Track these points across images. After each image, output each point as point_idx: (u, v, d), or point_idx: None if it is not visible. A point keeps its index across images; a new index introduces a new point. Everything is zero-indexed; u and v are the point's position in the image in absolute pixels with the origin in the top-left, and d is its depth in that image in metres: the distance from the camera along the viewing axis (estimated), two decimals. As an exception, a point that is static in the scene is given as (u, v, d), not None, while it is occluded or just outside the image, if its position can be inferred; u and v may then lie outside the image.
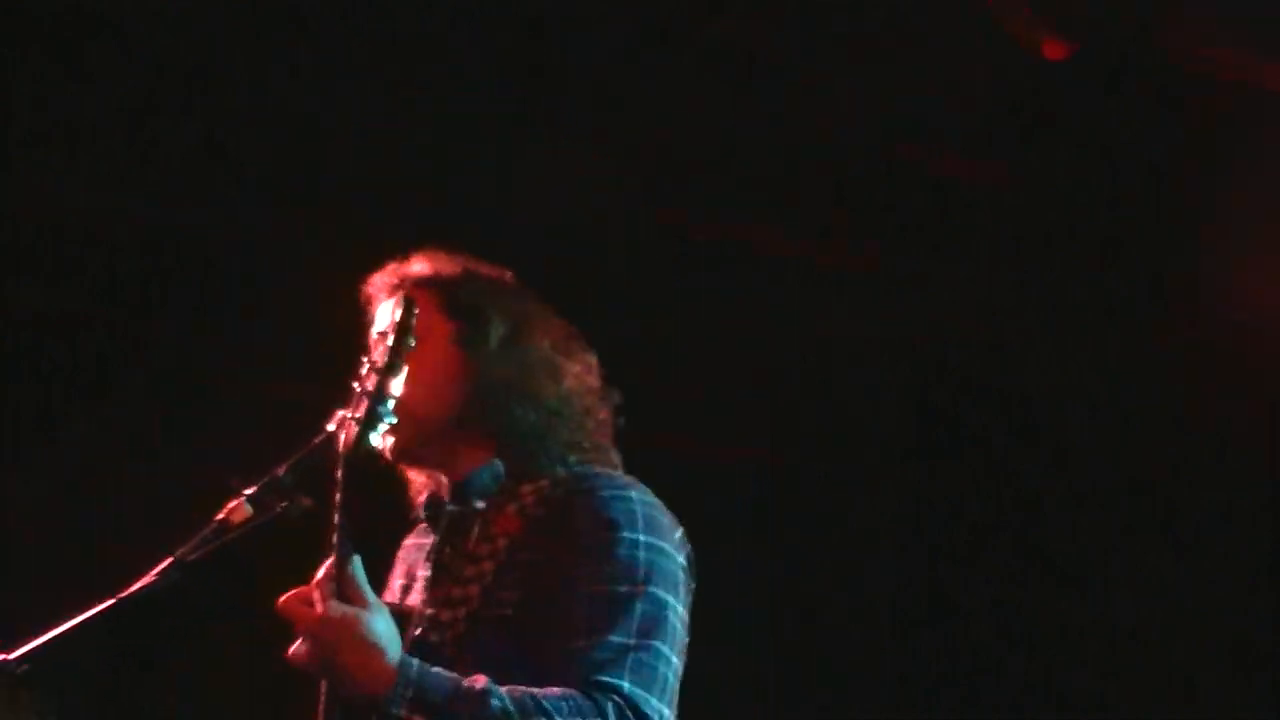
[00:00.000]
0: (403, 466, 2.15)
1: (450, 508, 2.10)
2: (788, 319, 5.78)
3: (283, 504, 2.01)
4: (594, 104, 4.72)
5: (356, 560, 1.83)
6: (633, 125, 4.82)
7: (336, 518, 1.83)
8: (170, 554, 2.03)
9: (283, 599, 1.86)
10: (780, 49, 4.45)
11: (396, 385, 1.91)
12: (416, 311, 1.96)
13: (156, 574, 2.03)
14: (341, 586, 1.81)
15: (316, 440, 1.99)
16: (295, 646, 1.85)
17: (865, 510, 6.25)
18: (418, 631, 1.97)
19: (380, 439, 1.89)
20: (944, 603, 5.93)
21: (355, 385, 1.95)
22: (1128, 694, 5.36)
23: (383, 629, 1.80)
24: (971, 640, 5.83)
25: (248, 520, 2.02)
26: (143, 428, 5.08)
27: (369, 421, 1.88)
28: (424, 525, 2.20)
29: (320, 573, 1.85)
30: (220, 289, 5.13)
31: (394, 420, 1.89)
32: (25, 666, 1.98)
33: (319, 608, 1.81)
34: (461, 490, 2.09)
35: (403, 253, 2.25)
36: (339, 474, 1.85)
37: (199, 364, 5.16)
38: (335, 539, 1.82)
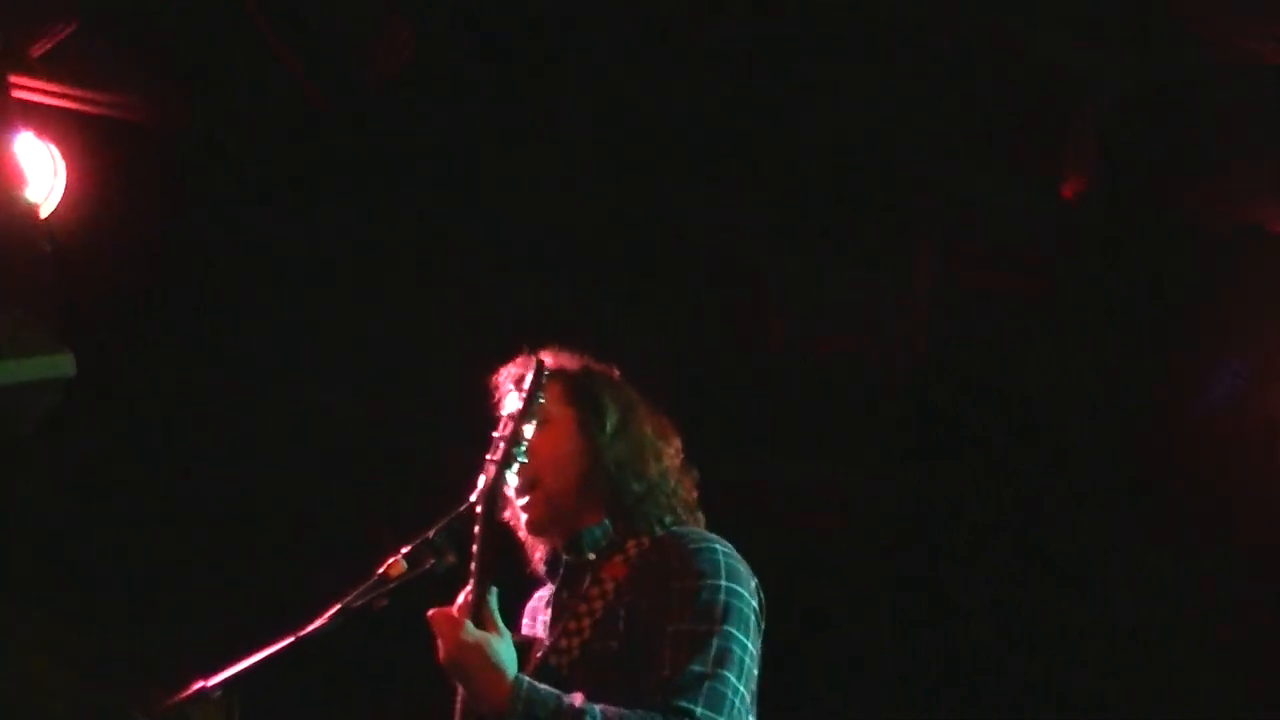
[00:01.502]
0: (534, 532, 2.56)
1: (566, 559, 2.53)
2: (789, 319, 5.79)
3: (432, 561, 2.38)
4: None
5: (493, 592, 2.27)
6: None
7: (478, 550, 2.28)
8: (338, 601, 2.38)
9: (432, 612, 2.28)
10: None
11: (528, 430, 2.38)
12: (547, 372, 2.45)
13: (327, 618, 2.37)
14: (477, 613, 2.25)
15: (462, 508, 2.38)
16: (444, 658, 2.26)
17: (865, 510, 6.25)
18: (538, 655, 2.39)
19: (513, 477, 2.37)
20: (944, 603, 5.93)
21: (494, 434, 2.42)
22: (1127, 694, 5.36)
23: (505, 653, 2.24)
24: (971, 640, 5.83)
25: (403, 575, 2.39)
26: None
27: (505, 461, 2.36)
28: (545, 584, 2.63)
29: (461, 598, 2.29)
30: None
31: (525, 460, 2.37)
32: (219, 694, 2.32)
33: (459, 629, 2.23)
34: (576, 545, 2.52)
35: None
36: (481, 512, 2.31)
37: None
38: (476, 571, 2.27)
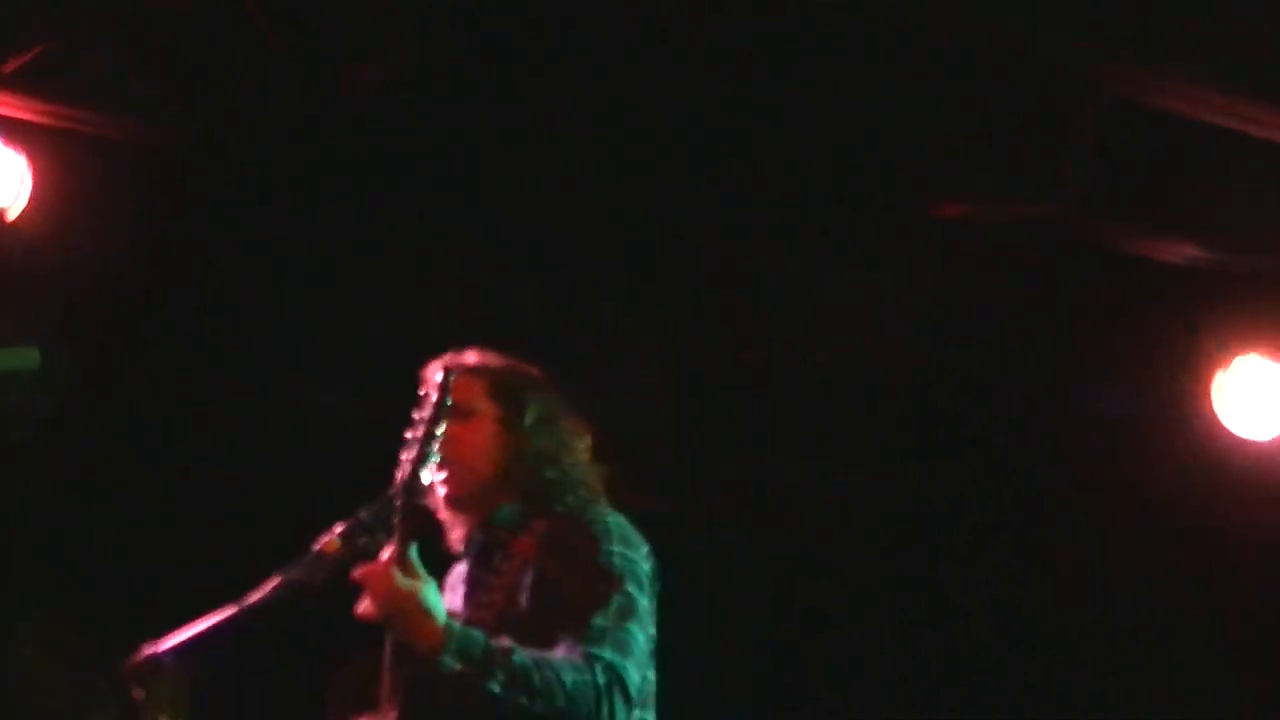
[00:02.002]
0: (448, 512, 2.81)
1: (481, 537, 2.80)
2: (789, 319, 5.79)
3: (363, 539, 2.64)
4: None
5: (414, 548, 2.50)
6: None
7: (399, 519, 2.52)
8: (279, 575, 2.65)
9: (361, 570, 2.50)
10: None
11: (439, 429, 2.61)
12: (454, 381, 2.68)
13: (267, 591, 2.63)
14: (403, 565, 2.47)
15: (388, 492, 2.62)
16: (364, 606, 2.49)
17: (866, 510, 6.25)
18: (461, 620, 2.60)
19: (429, 474, 2.61)
20: (944, 603, 5.94)
21: (409, 435, 2.66)
22: (1128, 694, 5.37)
23: (434, 599, 2.47)
24: (971, 640, 5.84)
25: (338, 552, 2.65)
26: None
27: (420, 460, 2.60)
28: (460, 562, 2.86)
29: (385, 555, 2.50)
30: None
31: (438, 458, 2.62)
32: (171, 661, 2.57)
33: (390, 579, 2.44)
34: (490, 524, 2.79)
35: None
36: (400, 492, 2.57)
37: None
38: (399, 534, 2.50)
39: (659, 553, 2.77)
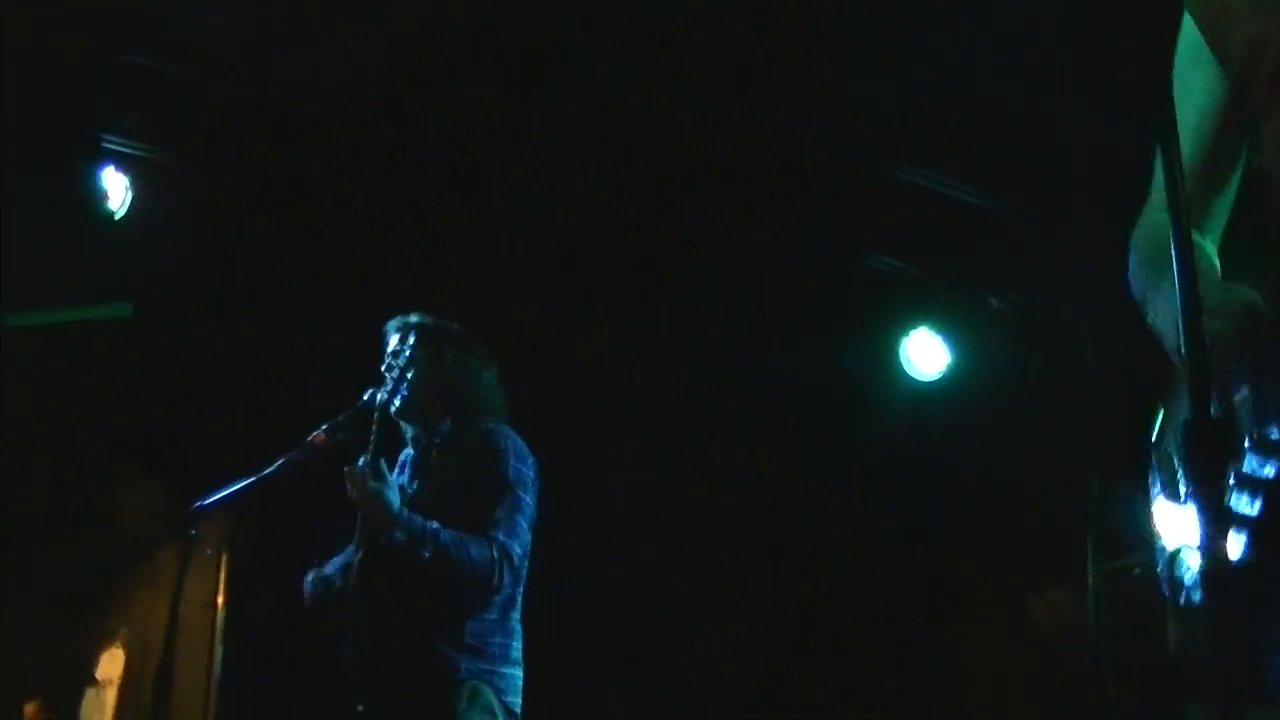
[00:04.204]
0: (405, 419, 3.87)
1: (423, 441, 3.90)
2: (788, 319, 5.79)
3: (341, 435, 3.70)
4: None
5: (383, 461, 3.58)
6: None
7: (373, 439, 3.60)
8: (283, 457, 3.66)
9: (346, 469, 3.53)
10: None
11: (402, 375, 3.80)
12: (416, 342, 3.86)
13: (278, 466, 3.64)
14: (375, 469, 3.54)
15: (363, 401, 3.74)
16: (350, 494, 3.52)
17: (866, 509, 6.27)
18: (404, 499, 3.64)
19: (397, 403, 3.78)
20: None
21: (385, 373, 3.81)
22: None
23: (392, 495, 3.54)
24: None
25: (324, 443, 3.69)
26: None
27: (394, 392, 3.77)
28: (409, 449, 3.96)
29: (361, 461, 3.55)
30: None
31: (402, 393, 3.79)
32: (211, 510, 3.57)
33: (365, 480, 3.52)
34: (429, 432, 3.89)
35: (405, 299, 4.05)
36: (376, 417, 3.67)
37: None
38: (372, 449, 3.57)
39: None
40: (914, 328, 5.85)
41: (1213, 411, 1.56)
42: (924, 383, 5.87)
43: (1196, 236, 1.78)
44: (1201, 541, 1.51)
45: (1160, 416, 1.81)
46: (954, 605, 6.28)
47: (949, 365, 5.80)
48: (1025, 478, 5.65)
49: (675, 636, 6.06)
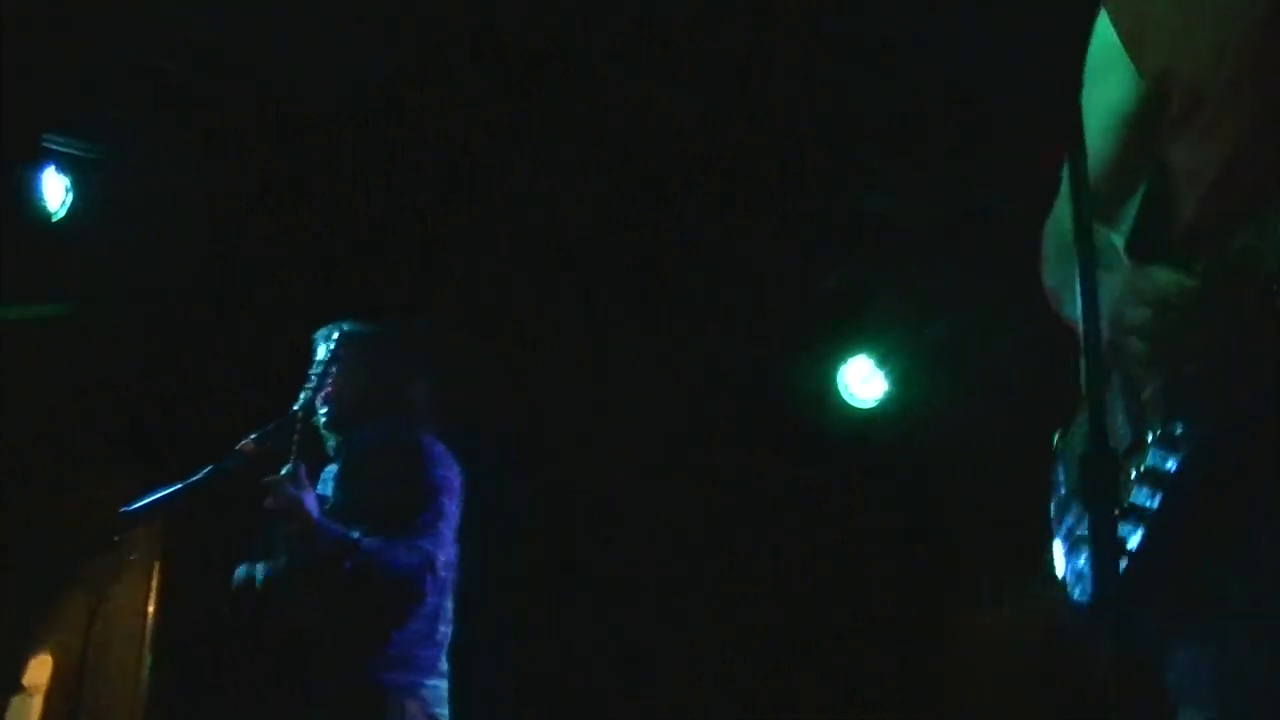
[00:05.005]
0: (331, 430, 3.83)
1: (350, 449, 3.82)
2: (788, 319, 5.80)
3: (269, 444, 3.63)
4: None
5: (303, 468, 3.54)
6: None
7: (295, 449, 3.57)
8: (210, 464, 3.65)
9: (266, 480, 3.49)
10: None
11: (330, 385, 3.77)
12: (345, 351, 3.81)
13: (204, 474, 3.62)
14: (296, 479, 3.50)
15: (291, 412, 3.69)
16: (268, 503, 3.47)
17: (866, 509, 6.26)
18: (326, 508, 3.64)
19: (322, 414, 3.78)
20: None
21: (311, 383, 3.75)
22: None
23: (311, 503, 3.50)
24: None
25: (253, 451, 3.64)
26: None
27: (321, 403, 3.76)
28: (334, 463, 3.86)
29: (284, 471, 3.52)
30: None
31: (329, 403, 3.77)
32: (138, 517, 3.59)
33: (284, 487, 3.48)
34: (357, 439, 3.81)
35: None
36: (299, 427, 3.64)
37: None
38: (294, 458, 3.54)
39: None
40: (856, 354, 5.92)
41: (1118, 430, 1.68)
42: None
43: (1108, 231, 1.80)
44: (1091, 568, 1.57)
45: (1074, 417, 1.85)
46: (954, 605, 6.30)
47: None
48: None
49: (675, 636, 6.06)
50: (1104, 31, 1.85)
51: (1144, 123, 1.81)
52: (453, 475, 3.72)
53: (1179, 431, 1.61)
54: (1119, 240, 1.85)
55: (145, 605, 5.63)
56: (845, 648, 6.14)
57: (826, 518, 6.23)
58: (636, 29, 4.42)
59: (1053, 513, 1.82)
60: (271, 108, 4.75)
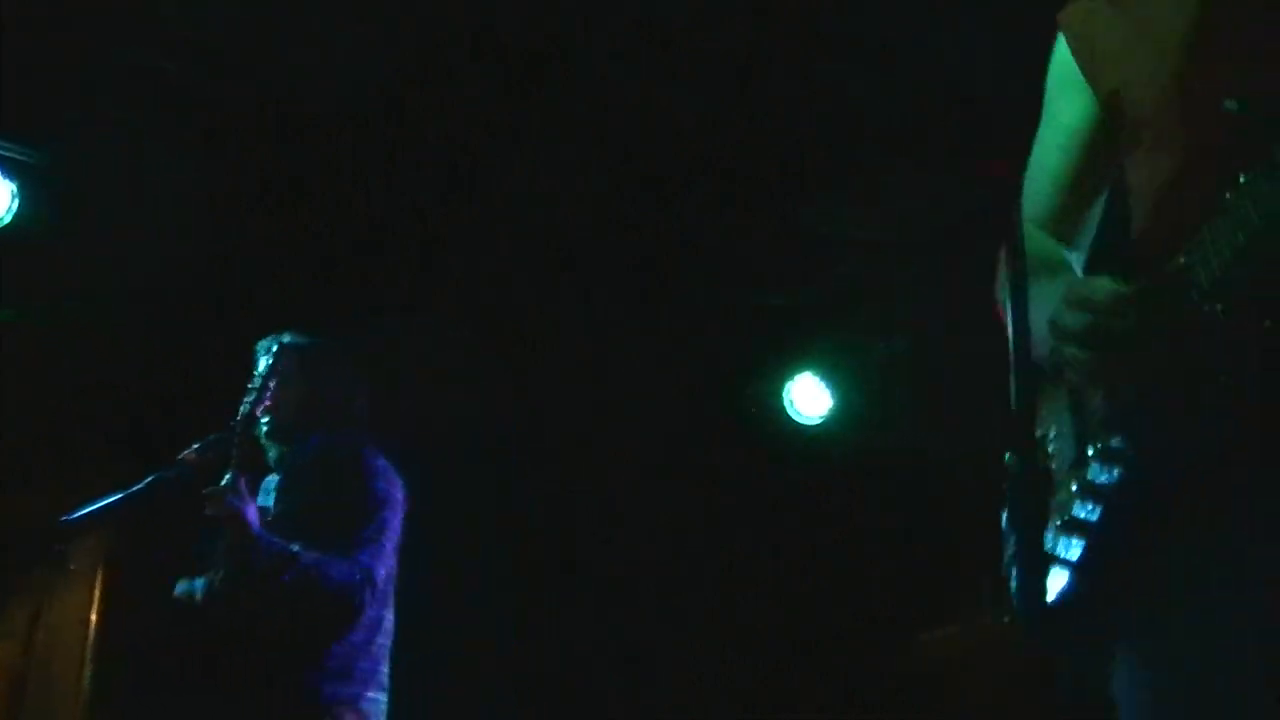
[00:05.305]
0: (272, 441, 3.87)
1: (291, 460, 3.85)
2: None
3: (211, 454, 3.66)
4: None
5: (243, 480, 3.52)
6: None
7: (236, 456, 3.58)
8: (151, 474, 3.68)
9: (206, 490, 3.50)
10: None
11: (271, 396, 3.76)
12: (283, 363, 3.83)
13: (146, 484, 3.65)
14: (234, 489, 3.48)
15: (232, 424, 3.67)
16: (208, 513, 3.48)
17: (867, 508, 6.26)
18: (268, 519, 3.63)
19: (262, 425, 3.80)
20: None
21: (251, 394, 3.74)
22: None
23: (252, 515, 3.49)
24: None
25: (196, 462, 3.67)
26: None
27: (262, 414, 3.74)
28: (275, 474, 3.90)
29: (224, 481, 3.52)
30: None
31: (270, 414, 3.79)
32: (79, 525, 3.60)
33: (224, 498, 3.48)
34: (296, 455, 3.83)
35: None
36: (239, 438, 3.64)
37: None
38: (234, 469, 3.53)
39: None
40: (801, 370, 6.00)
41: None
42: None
43: (1064, 251, 1.87)
44: (1018, 586, 1.63)
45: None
46: (955, 605, 6.29)
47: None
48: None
49: (675, 636, 6.07)
50: (1062, 53, 1.90)
51: (1097, 142, 1.86)
52: (394, 488, 3.74)
53: (1117, 446, 1.65)
54: (1077, 260, 1.90)
55: (87, 615, 5.56)
56: (845, 648, 6.14)
57: (826, 518, 6.23)
58: (636, 29, 4.41)
59: (1005, 527, 1.85)
60: (271, 108, 4.75)
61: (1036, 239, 1.91)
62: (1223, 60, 1.65)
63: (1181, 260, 1.61)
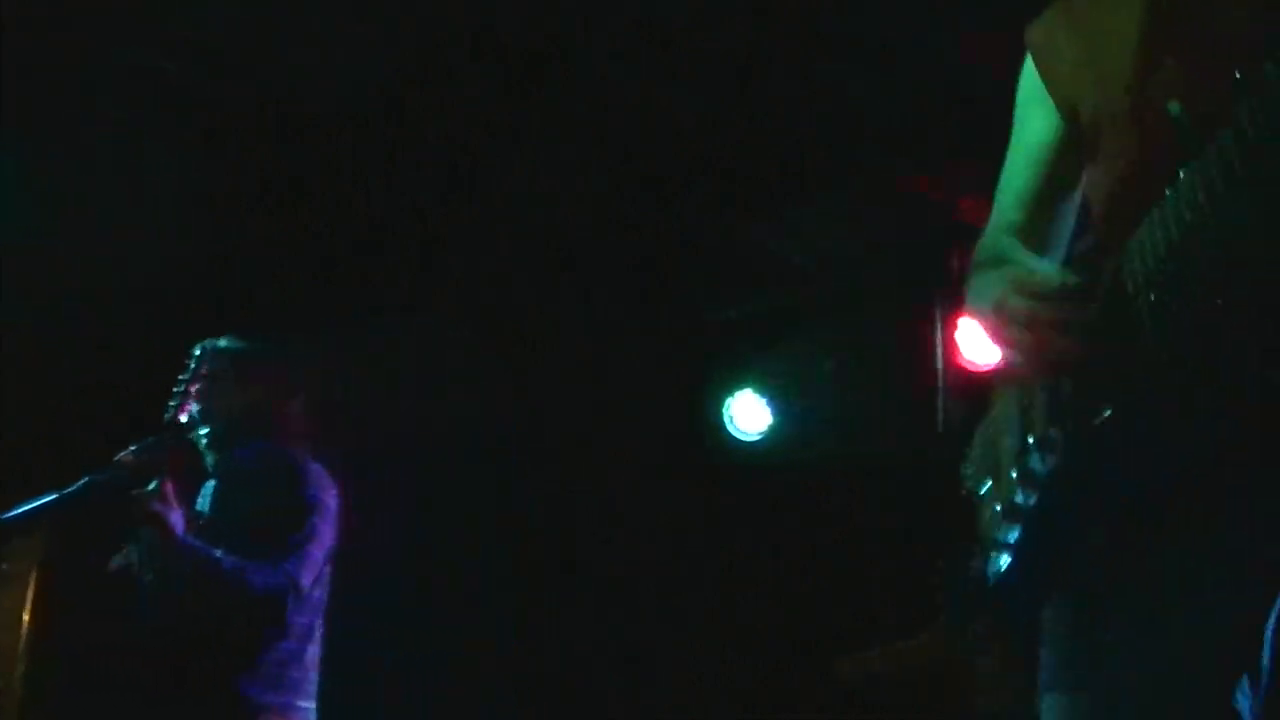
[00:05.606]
0: (207, 447, 3.84)
1: (225, 467, 3.83)
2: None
3: (146, 457, 3.59)
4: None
5: (170, 484, 3.51)
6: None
7: (166, 463, 3.56)
8: (86, 475, 3.59)
9: (133, 493, 3.47)
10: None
11: (205, 402, 3.78)
12: (214, 367, 3.82)
13: (79, 485, 3.55)
14: (162, 498, 3.47)
15: (165, 428, 3.71)
16: (133, 518, 3.50)
17: (866, 507, 6.26)
18: (200, 524, 3.66)
19: (202, 434, 3.80)
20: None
21: (185, 398, 3.77)
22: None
23: (176, 520, 3.47)
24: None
25: (131, 464, 3.57)
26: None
27: (191, 415, 3.76)
28: (211, 479, 3.88)
29: (150, 487, 3.50)
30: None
31: (208, 421, 3.78)
32: (12, 525, 3.56)
33: (150, 504, 3.49)
34: (230, 461, 3.82)
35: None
36: (172, 444, 3.67)
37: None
38: (161, 473, 3.51)
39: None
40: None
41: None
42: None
43: (1037, 260, 1.94)
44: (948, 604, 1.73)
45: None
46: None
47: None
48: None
49: (675, 636, 6.07)
50: (1030, 71, 2.01)
51: (1063, 156, 1.95)
52: (327, 496, 3.72)
53: (1053, 436, 1.74)
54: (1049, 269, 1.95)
55: (20, 616, 5.46)
56: (845, 648, 6.14)
57: (827, 518, 6.22)
58: (636, 29, 4.41)
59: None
60: (271, 108, 4.75)
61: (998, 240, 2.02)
62: (1168, 66, 1.73)
63: (1116, 267, 1.70)
